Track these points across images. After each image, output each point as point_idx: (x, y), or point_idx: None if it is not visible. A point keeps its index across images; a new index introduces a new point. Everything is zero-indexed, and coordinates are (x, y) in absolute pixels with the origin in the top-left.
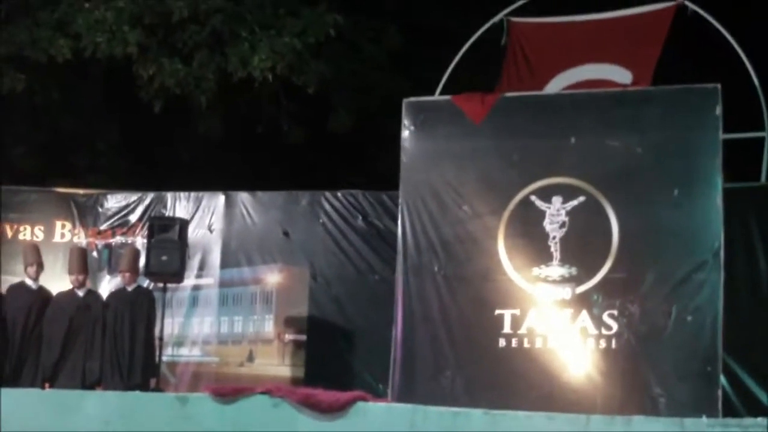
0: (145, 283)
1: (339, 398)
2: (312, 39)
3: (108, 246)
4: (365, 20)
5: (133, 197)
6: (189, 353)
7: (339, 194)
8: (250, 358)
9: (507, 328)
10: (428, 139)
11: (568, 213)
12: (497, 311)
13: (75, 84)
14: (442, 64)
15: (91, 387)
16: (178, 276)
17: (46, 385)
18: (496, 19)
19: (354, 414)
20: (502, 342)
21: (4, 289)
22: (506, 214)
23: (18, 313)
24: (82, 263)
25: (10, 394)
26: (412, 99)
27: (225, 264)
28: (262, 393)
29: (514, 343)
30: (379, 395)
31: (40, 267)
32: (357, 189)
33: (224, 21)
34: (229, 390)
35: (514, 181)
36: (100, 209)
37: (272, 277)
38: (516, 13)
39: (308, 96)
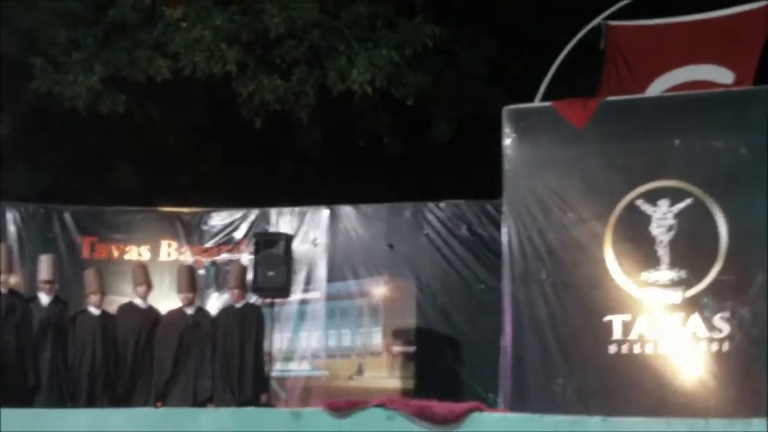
0: (253, 299)
1: (454, 409)
2: (409, 51)
3: (214, 263)
4: (461, 30)
5: (238, 214)
6: (298, 368)
7: (442, 204)
8: (360, 371)
9: (617, 335)
10: (530, 146)
11: (675, 216)
12: (606, 317)
13: (175, 103)
14: (538, 71)
15: (203, 404)
16: (285, 291)
17: (159, 403)
18: (594, 23)
19: (469, 425)
20: (612, 348)
21: (113, 309)
22: (612, 219)
23: (129, 333)
24: (190, 281)
25: (124, 414)
26: (513, 106)
27: (331, 278)
28: (377, 406)
29: (624, 349)
30: (490, 405)
31: (149, 287)
32: (459, 199)
33: (321, 36)
34: (344, 403)
35: (619, 185)
36: (204, 227)
37: (379, 290)
38: (613, 17)
39: (407, 107)
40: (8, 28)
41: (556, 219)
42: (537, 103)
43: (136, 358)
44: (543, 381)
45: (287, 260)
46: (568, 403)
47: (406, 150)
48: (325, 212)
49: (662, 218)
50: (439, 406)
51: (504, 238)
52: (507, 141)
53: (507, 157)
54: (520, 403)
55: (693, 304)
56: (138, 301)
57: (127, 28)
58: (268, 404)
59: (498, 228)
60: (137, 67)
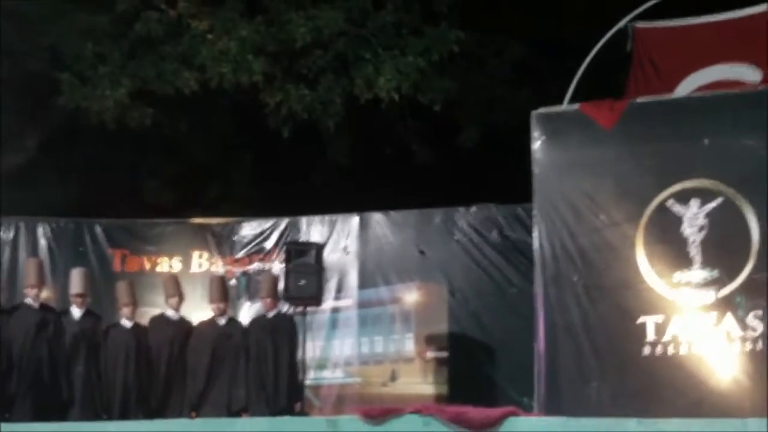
0: (285, 308)
1: (490, 415)
2: (435, 56)
3: (246, 273)
4: (487, 34)
5: (268, 224)
6: (332, 375)
7: (472, 209)
8: (393, 377)
9: (651, 336)
10: (559, 149)
11: (706, 216)
12: (640, 319)
13: (203, 115)
14: (565, 74)
15: (237, 414)
16: (317, 299)
17: (193, 414)
18: (621, 24)
19: (505, 429)
20: (646, 350)
21: (145, 322)
22: (643, 220)
23: (162, 345)
24: (222, 292)
25: (161, 424)
26: (541, 110)
27: (363, 285)
28: (412, 412)
29: (658, 350)
30: (524, 409)
31: (180, 298)
32: (490, 203)
33: (347, 44)
34: (379, 411)
35: (650, 186)
36: (235, 237)
37: (410, 296)
38: (639, 18)
39: (434, 113)
40: (35, 43)
41: (587, 221)
42: (565, 106)
43: (170, 369)
44: (577, 384)
45: (318, 269)
46: (603, 406)
47: (435, 156)
48: (355, 220)
49: (693, 218)
50: (475, 412)
51: (535, 242)
52: (536, 144)
53: (536, 160)
54: (554, 406)
55: (726, 304)
56: (170, 313)
57: (153, 42)
58: (303, 413)
59: (529, 232)
60: (164, 80)
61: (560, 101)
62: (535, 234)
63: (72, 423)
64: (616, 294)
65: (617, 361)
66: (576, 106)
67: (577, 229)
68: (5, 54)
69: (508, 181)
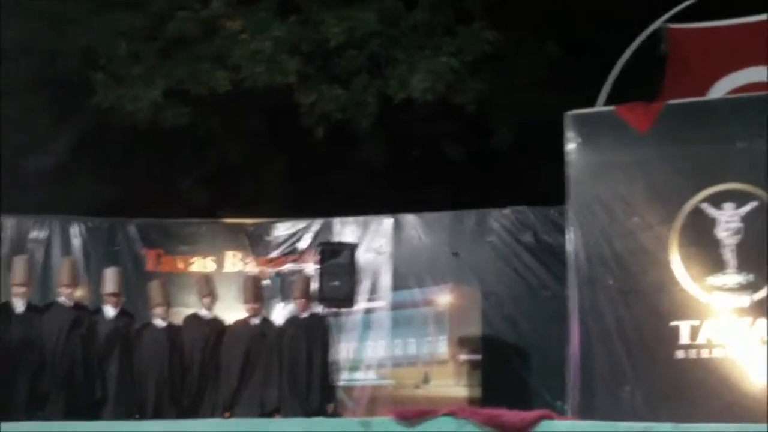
0: (318, 308)
1: (524, 417)
2: (469, 57)
3: (279, 274)
4: (520, 35)
5: (301, 224)
6: (364, 377)
7: (506, 211)
8: (426, 379)
9: (684, 339)
10: (594, 152)
11: (741, 219)
12: (673, 323)
13: (237, 115)
14: (598, 76)
15: (270, 415)
16: (350, 301)
17: (227, 414)
18: (655, 26)
19: None
20: (680, 354)
21: (179, 321)
22: (678, 223)
23: (195, 345)
24: (256, 292)
25: (195, 424)
26: (576, 112)
27: (396, 286)
28: (446, 414)
29: (692, 354)
30: (558, 412)
31: (214, 298)
32: (522, 205)
33: (381, 44)
34: (413, 413)
35: (684, 189)
36: (269, 238)
37: (444, 298)
38: (673, 19)
39: (468, 114)
40: (69, 43)
41: (621, 224)
42: (599, 108)
43: (203, 369)
44: (611, 388)
45: (352, 270)
46: (637, 410)
47: (468, 157)
48: (388, 221)
49: (728, 221)
50: (509, 414)
51: (569, 245)
52: (570, 146)
53: (571, 162)
54: (588, 410)
55: (760, 308)
56: (204, 312)
57: (187, 42)
58: (335, 414)
59: (563, 234)
60: (198, 80)
61: (593, 102)
62: (569, 237)
63: (109, 422)
64: (650, 297)
65: (651, 365)
66: (610, 108)
67: (611, 231)
68: (40, 54)
69: (541, 183)
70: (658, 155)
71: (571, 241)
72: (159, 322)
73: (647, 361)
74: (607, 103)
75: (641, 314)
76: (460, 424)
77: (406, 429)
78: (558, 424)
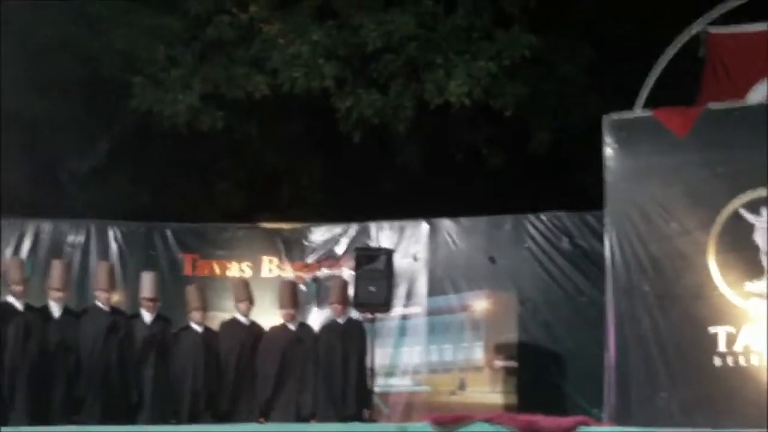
0: (354, 314)
1: (561, 423)
2: (507, 61)
3: (315, 279)
4: (558, 39)
5: (338, 229)
6: (400, 383)
7: (543, 217)
8: (462, 386)
9: (722, 346)
10: (632, 156)
11: None
12: (711, 329)
13: (274, 119)
14: (637, 79)
15: (305, 420)
16: (387, 306)
17: (261, 419)
18: (694, 31)
19: None
20: (717, 361)
21: (215, 326)
22: (715, 228)
23: (231, 349)
24: (292, 297)
25: (229, 429)
26: (614, 116)
27: (432, 292)
28: (483, 420)
29: (729, 361)
30: (594, 419)
31: (250, 302)
32: (560, 209)
33: (419, 48)
34: (450, 418)
35: (722, 194)
36: (305, 243)
37: (480, 304)
38: (712, 23)
39: (505, 119)
40: (107, 47)
41: (658, 229)
42: (638, 112)
43: (239, 374)
44: (647, 394)
45: (388, 275)
46: (673, 417)
47: (505, 162)
48: (424, 226)
49: (766, 227)
50: (545, 421)
51: (606, 250)
52: (608, 151)
53: (608, 167)
54: (624, 416)
55: None
56: (241, 317)
57: (225, 46)
58: (371, 420)
59: (600, 240)
60: (235, 84)
61: (631, 106)
62: (606, 242)
63: (146, 427)
64: (687, 303)
65: (688, 372)
66: (649, 112)
67: (648, 237)
68: (78, 57)
69: (579, 188)
70: (696, 160)
71: (608, 246)
72: (196, 327)
73: (684, 368)
74: (645, 107)
75: (678, 320)
76: (496, 430)
77: None
78: (594, 430)
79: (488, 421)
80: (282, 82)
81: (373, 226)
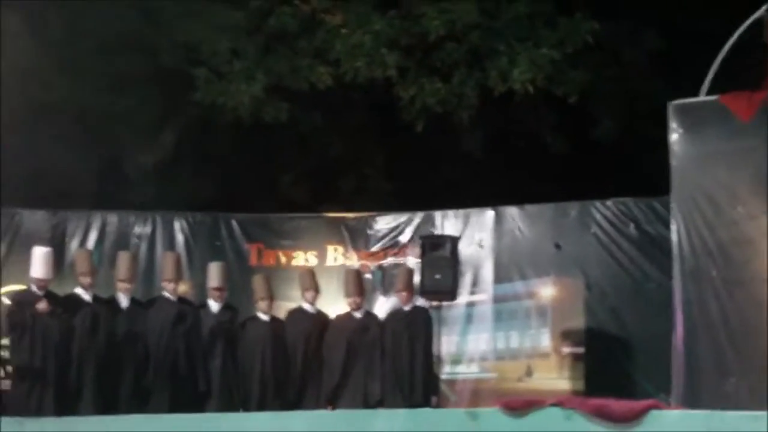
0: (419, 301)
1: (633, 408)
2: (570, 48)
3: (380, 267)
4: (621, 24)
5: (402, 218)
6: (467, 370)
7: (609, 203)
8: (529, 372)
9: None
10: (697, 141)
11: None
12: None
13: (337, 110)
14: (701, 64)
15: (373, 407)
16: (453, 293)
17: (330, 407)
18: (757, 14)
19: (649, 422)
20: None
21: (281, 315)
22: None
23: (298, 338)
24: (358, 286)
25: (302, 416)
26: (679, 102)
27: (498, 279)
28: (554, 405)
29: None
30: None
31: (316, 292)
32: (626, 196)
33: (481, 37)
34: (520, 403)
35: None
36: (369, 231)
37: (546, 290)
38: None
39: (569, 106)
40: (170, 40)
41: (725, 214)
42: (703, 98)
43: (306, 362)
44: (715, 380)
45: (454, 263)
46: (741, 402)
47: (570, 148)
48: (489, 213)
49: None
50: (617, 404)
51: (673, 236)
52: (674, 136)
53: (674, 152)
54: (692, 402)
55: None
56: (307, 306)
57: (287, 37)
58: (438, 407)
59: (666, 225)
60: (299, 75)
61: (696, 92)
62: (673, 228)
63: (214, 414)
64: (754, 288)
65: (756, 358)
66: (714, 97)
67: (715, 222)
68: (142, 50)
69: (645, 174)
70: (762, 144)
71: (674, 231)
72: (263, 316)
73: (752, 354)
74: (710, 92)
75: (745, 305)
76: (567, 415)
77: (513, 420)
78: (667, 413)
79: (559, 405)
80: (345, 72)
81: (437, 215)
